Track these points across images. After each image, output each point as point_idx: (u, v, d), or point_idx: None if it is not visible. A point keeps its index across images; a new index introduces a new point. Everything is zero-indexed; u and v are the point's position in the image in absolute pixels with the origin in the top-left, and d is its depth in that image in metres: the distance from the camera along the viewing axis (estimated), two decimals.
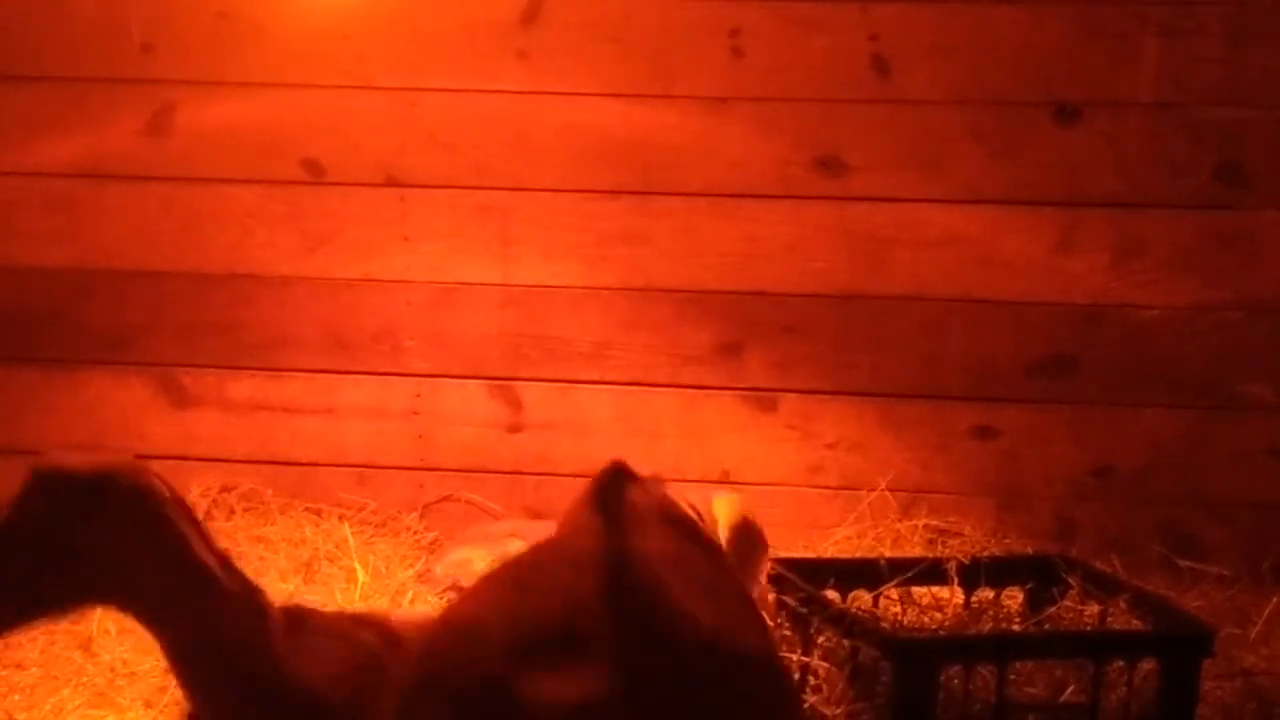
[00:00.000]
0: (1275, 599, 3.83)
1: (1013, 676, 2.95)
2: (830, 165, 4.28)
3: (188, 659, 2.24)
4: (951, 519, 4.31)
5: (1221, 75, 4.14)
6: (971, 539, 4.20)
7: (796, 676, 3.15)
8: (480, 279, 4.40)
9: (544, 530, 2.36)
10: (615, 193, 4.34)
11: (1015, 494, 4.35)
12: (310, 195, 4.41)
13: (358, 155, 4.38)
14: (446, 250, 4.39)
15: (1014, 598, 3.45)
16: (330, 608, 3.22)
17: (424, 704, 1.95)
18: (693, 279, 4.35)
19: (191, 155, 4.42)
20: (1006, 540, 4.21)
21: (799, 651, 3.16)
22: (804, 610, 3.16)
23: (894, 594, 3.31)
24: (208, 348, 4.50)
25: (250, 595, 2.28)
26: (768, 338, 4.37)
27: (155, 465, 4.44)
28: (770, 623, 3.35)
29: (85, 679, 3.40)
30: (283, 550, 4.16)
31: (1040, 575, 3.42)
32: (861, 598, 3.28)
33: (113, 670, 3.45)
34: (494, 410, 4.47)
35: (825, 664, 3.10)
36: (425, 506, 4.50)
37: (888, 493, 4.33)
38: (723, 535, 3.61)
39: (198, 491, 4.44)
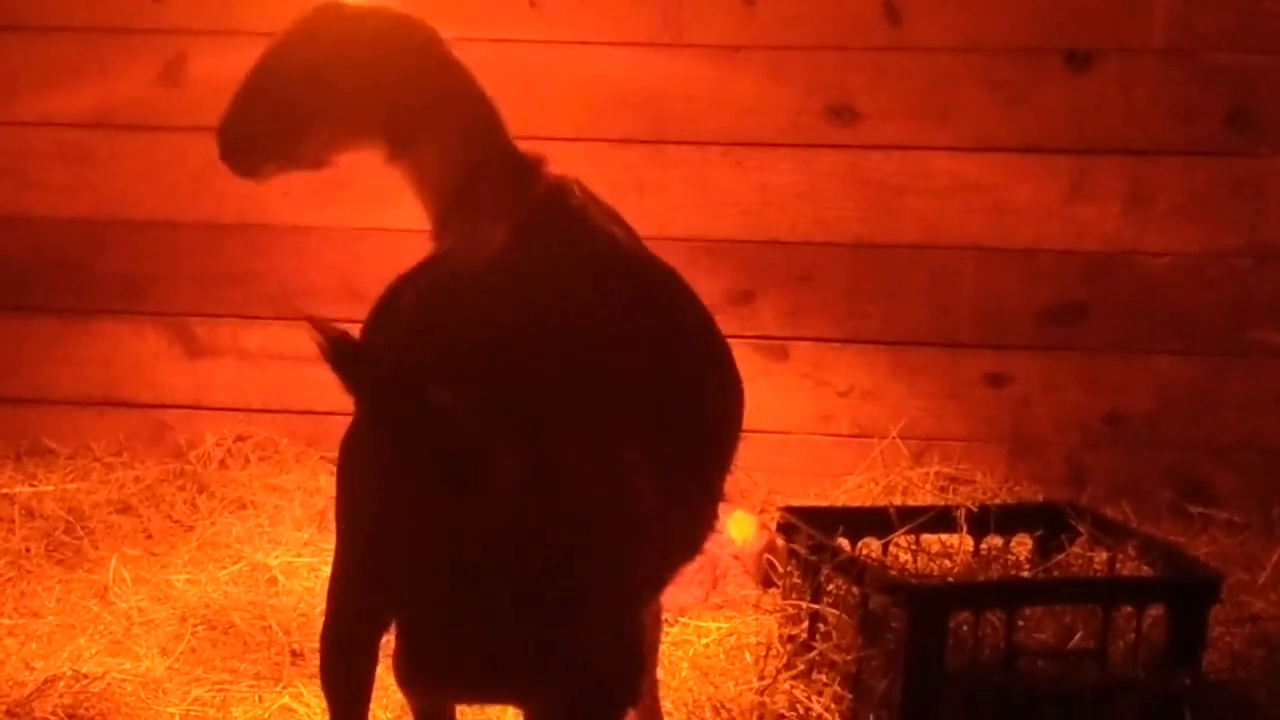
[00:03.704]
0: None
1: (1021, 623, 2.97)
2: (842, 113, 4.27)
3: None
4: (963, 466, 4.32)
5: (1233, 21, 4.13)
6: (983, 486, 4.21)
7: (806, 624, 3.18)
8: None
9: None
10: (627, 142, 4.33)
11: (1026, 441, 4.36)
12: None
13: None
14: None
15: (1024, 545, 3.46)
16: None
17: None
18: (705, 228, 4.35)
19: (205, 105, 4.31)
20: (1018, 487, 4.23)
21: (808, 599, 3.18)
22: (814, 558, 3.18)
23: (903, 542, 3.32)
24: (222, 297, 4.52)
25: None
26: (780, 286, 4.37)
27: (170, 414, 4.53)
28: (780, 570, 3.38)
29: (102, 627, 3.44)
30: (297, 499, 4.19)
31: (1049, 522, 3.42)
32: (871, 545, 3.30)
33: (129, 619, 3.48)
34: None
35: (835, 611, 3.11)
36: None
37: (899, 440, 4.34)
38: (750, 554, 3.62)
39: (212, 441, 4.48)
